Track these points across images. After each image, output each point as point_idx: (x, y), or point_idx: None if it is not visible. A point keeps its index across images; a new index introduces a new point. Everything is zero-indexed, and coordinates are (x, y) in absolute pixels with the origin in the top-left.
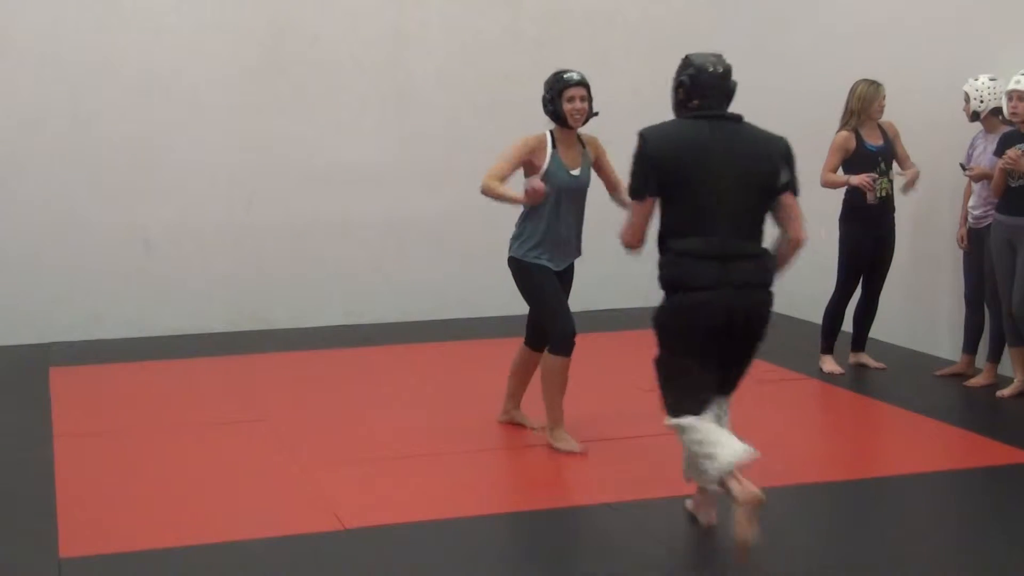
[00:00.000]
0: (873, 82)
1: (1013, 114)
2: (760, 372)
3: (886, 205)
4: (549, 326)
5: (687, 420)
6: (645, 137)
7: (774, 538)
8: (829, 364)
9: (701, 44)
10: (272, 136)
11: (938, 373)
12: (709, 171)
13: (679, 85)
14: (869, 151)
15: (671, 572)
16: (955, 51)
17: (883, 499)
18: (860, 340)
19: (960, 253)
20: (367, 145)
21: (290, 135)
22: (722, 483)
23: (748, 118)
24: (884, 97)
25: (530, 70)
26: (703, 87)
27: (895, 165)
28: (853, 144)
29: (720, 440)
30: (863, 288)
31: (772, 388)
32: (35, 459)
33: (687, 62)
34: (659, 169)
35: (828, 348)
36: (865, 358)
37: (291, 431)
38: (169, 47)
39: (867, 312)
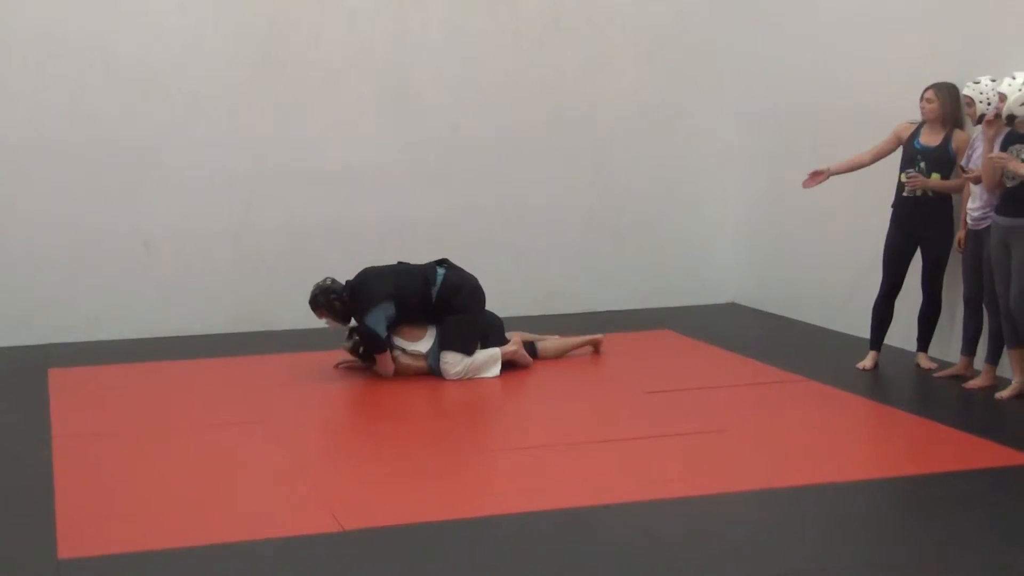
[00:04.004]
0: (931, 85)
1: (996, 115)
2: (758, 374)
3: (923, 206)
4: None
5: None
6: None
7: (771, 539)
8: (865, 360)
9: (700, 44)
10: (272, 137)
11: (937, 375)
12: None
13: None
14: (913, 148)
15: (671, 573)
16: (955, 53)
17: (881, 501)
18: (922, 339)
19: (960, 256)
20: (367, 146)
21: (290, 136)
22: None
23: (745, 117)
24: (923, 97)
25: (530, 70)
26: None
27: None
28: (905, 136)
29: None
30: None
31: (769, 390)
32: (34, 460)
33: None
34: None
35: (870, 344)
36: (922, 358)
37: (290, 433)
38: (169, 48)
39: (923, 310)
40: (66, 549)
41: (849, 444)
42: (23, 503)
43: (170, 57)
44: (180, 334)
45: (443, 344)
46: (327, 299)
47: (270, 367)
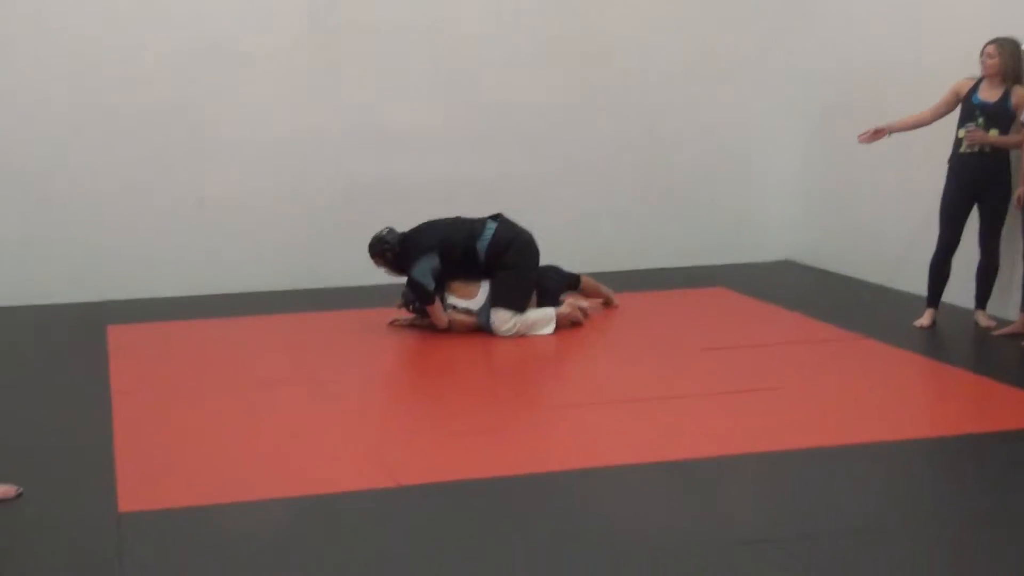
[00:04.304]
0: (993, 40)
1: None
2: (814, 331)
3: (981, 162)
4: None
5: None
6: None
7: (827, 496)
8: (922, 318)
9: (755, 5)
10: (324, 99)
11: (995, 333)
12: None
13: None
14: (972, 103)
15: (728, 528)
16: (1016, 9)
17: (938, 460)
18: (979, 297)
19: (1019, 213)
20: (419, 108)
21: (341, 98)
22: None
23: (799, 73)
24: (983, 52)
25: (579, 32)
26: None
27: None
28: (964, 92)
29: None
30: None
31: (825, 347)
32: (93, 416)
33: None
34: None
35: (927, 301)
36: (981, 316)
37: (344, 389)
38: (220, 11)
39: (980, 268)
40: (127, 503)
41: (906, 402)
42: (83, 459)
43: (221, 20)
44: (236, 291)
45: (494, 301)
46: (381, 248)
47: (325, 324)
